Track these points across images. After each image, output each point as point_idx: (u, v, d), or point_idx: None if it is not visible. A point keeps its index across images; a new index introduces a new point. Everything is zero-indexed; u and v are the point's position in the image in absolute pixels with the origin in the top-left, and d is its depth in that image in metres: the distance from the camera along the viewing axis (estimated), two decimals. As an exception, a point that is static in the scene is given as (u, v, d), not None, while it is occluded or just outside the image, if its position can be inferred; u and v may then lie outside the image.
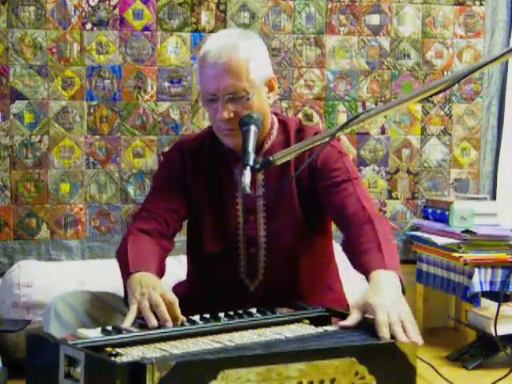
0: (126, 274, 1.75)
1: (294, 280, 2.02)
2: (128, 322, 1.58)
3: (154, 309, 1.60)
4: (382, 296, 1.57)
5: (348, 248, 1.86)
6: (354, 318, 1.55)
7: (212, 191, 2.03)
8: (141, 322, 1.59)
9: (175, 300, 1.64)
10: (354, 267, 1.80)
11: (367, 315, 1.55)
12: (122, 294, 1.90)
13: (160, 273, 1.84)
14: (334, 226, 2.09)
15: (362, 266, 1.73)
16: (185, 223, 2.12)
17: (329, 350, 1.39)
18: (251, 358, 1.31)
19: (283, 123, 2.06)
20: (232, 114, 1.88)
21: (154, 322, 1.57)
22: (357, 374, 1.38)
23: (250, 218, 2.01)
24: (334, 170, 1.97)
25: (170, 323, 1.57)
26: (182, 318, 1.61)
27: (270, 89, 1.96)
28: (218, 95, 1.88)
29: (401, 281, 1.66)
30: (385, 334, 1.48)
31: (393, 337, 1.47)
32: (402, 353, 1.44)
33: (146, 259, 1.83)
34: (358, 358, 1.38)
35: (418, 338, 1.49)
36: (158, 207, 1.99)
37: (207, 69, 1.89)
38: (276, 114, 2.09)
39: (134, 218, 2.07)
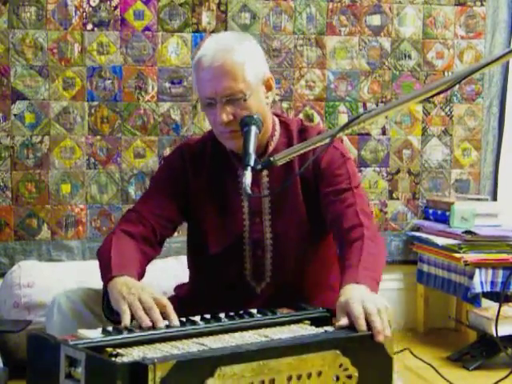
0: (108, 276, 1.73)
1: (300, 281, 2.01)
2: (127, 322, 1.57)
3: (146, 311, 1.58)
4: (353, 292, 1.59)
5: (339, 262, 1.87)
6: (344, 320, 1.55)
7: (216, 194, 2.02)
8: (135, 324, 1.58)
9: (167, 301, 1.63)
10: None
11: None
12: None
13: (139, 279, 1.80)
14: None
15: (341, 283, 1.72)
16: (185, 225, 2.11)
17: (314, 343, 1.44)
18: (244, 354, 1.35)
19: (285, 124, 2.05)
20: (231, 117, 1.87)
21: (148, 322, 1.56)
22: (341, 366, 1.44)
23: (256, 220, 2.00)
24: (336, 175, 1.96)
25: (162, 323, 1.56)
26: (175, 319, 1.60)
27: (268, 88, 1.96)
28: (215, 98, 1.87)
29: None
30: (361, 326, 1.50)
31: (370, 328, 1.50)
32: (380, 344, 1.49)
33: (128, 264, 1.80)
34: (341, 351, 1.44)
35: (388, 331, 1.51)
36: (148, 211, 1.96)
37: (203, 73, 1.88)
38: (277, 116, 2.08)
39: (122, 216, 2.02)
